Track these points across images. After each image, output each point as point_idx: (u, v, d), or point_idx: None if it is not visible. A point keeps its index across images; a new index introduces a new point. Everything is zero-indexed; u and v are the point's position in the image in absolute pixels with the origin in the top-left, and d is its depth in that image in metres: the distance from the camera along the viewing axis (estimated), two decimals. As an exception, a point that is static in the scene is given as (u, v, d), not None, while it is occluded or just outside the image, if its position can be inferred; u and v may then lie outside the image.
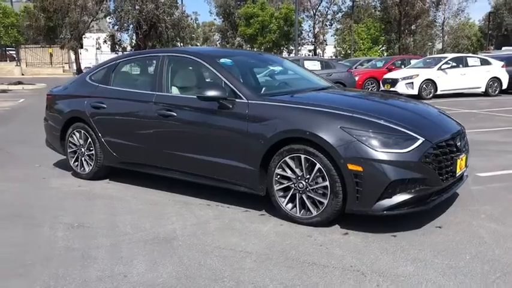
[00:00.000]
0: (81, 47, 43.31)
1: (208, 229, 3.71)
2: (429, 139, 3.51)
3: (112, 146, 4.96)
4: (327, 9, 45.50)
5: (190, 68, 4.80)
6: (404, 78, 15.61)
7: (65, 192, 4.85)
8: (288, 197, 3.77)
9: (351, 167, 3.39)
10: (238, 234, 3.58)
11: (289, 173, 3.73)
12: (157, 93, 4.58)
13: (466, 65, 16.07)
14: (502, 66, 16.45)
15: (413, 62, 18.62)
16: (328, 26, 44.85)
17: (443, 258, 3.08)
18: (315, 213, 3.64)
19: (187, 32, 39.19)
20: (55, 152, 5.78)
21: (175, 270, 2.96)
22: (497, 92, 16.37)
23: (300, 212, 3.72)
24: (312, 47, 44.26)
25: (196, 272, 2.94)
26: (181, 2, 41.53)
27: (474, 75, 15.87)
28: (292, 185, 3.73)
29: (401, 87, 15.49)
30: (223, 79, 4.22)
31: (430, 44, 56.18)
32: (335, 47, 48.70)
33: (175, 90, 4.63)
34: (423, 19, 47.61)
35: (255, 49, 31.91)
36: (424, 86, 15.40)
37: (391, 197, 3.38)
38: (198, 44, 52.19)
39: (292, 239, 3.46)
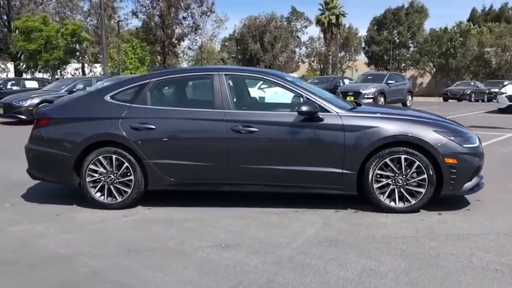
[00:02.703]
0: None
1: (342, 228, 4.17)
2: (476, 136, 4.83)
3: (164, 168, 4.71)
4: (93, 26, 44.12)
5: (258, 85, 5.01)
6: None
7: (126, 223, 4.40)
8: (387, 193, 4.53)
9: (447, 160, 4.42)
10: (377, 227, 4.17)
11: (388, 172, 4.50)
12: (227, 110, 4.66)
13: (275, 84, 18.57)
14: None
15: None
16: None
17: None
18: (413, 201, 4.51)
19: None
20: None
21: (405, 263, 3.38)
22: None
23: (398, 203, 4.53)
24: (79, 65, 42.17)
25: (430, 261, 3.41)
26: None
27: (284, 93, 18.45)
28: (391, 182, 4.52)
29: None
30: (306, 95, 4.69)
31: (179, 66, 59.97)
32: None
33: (247, 107, 4.80)
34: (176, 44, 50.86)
35: (42, 66, 28.82)
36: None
37: (471, 180, 4.55)
38: None
39: (416, 224, 4.25)
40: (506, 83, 19.17)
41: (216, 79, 4.80)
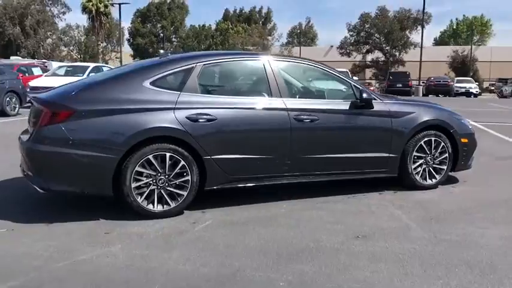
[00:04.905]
0: None
1: (412, 207, 4.48)
2: (463, 121, 5.73)
3: (225, 164, 4.18)
4: None
5: (310, 73, 4.80)
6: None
7: (217, 228, 3.78)
8: (421, 173, 5.02)
9: (462, 140, 5.18)
10: (436, 203, 4.62)
11: (421, 153, 5.00)
12: (285, 99, 4.41)
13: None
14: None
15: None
16: None
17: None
18: (438, 178, 5.13)
19: None
20: None
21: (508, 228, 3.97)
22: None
23: (428, 181, 5.08)
24: None
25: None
26: None
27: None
28: (423, 162, 5.02)
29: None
30: (354, 83, 4.79)
31: None
32: None
33: (300, 95, 4.65)
34: None
35: None
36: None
37: (472, 156, 5.41)
38: None
39: (454, 197, 4.89)
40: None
41: (268, 65, 4.48)
